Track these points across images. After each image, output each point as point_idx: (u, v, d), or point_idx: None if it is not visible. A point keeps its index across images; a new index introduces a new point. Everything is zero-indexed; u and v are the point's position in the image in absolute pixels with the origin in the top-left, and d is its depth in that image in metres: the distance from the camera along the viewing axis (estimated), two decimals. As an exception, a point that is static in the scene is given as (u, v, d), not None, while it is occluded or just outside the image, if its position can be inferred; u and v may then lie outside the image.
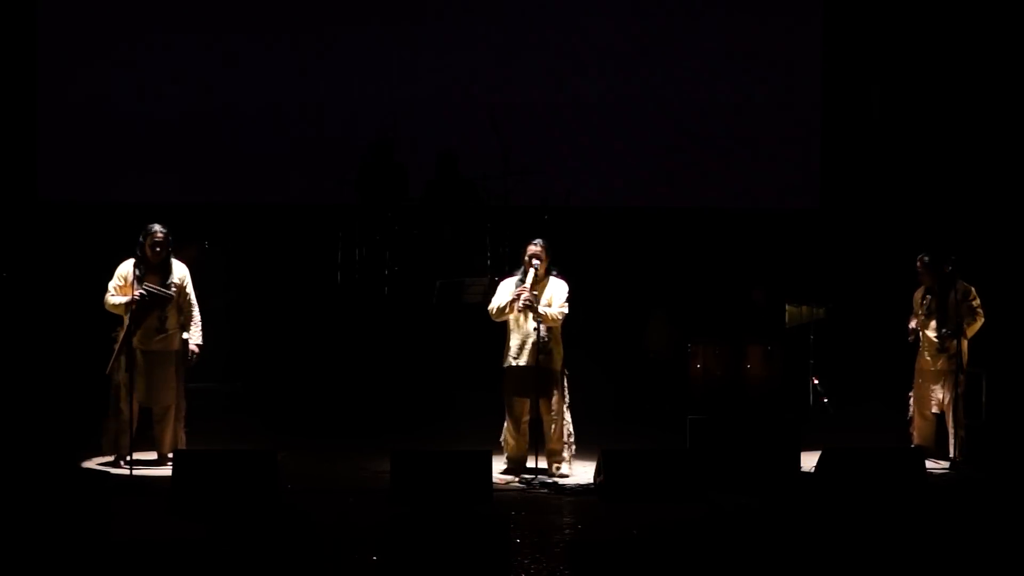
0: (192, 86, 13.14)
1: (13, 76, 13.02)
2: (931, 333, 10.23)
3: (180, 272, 9.73)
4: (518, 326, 9.65)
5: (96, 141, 13.09)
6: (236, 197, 13.22)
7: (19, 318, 12.14)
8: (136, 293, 9.46)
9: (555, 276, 9.72)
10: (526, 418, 9.74)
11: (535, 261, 9.59)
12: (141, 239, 9.61)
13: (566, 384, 9.74)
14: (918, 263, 10.28)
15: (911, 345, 10.41)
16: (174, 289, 9.63)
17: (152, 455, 9.79)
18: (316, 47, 13.23)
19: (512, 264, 11.06)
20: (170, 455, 9.61)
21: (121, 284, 9.59)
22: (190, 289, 9.77)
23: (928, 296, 10.27)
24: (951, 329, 10.08)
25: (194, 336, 9.77)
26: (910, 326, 10.35)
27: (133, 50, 13.10)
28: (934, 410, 10.29)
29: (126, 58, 13.09)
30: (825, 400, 12.12)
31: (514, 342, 9.68)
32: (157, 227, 9.63)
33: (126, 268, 9.62)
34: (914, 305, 10.38)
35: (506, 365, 9.73)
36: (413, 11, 13.30)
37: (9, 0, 13.00)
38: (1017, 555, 7.48)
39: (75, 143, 13.11)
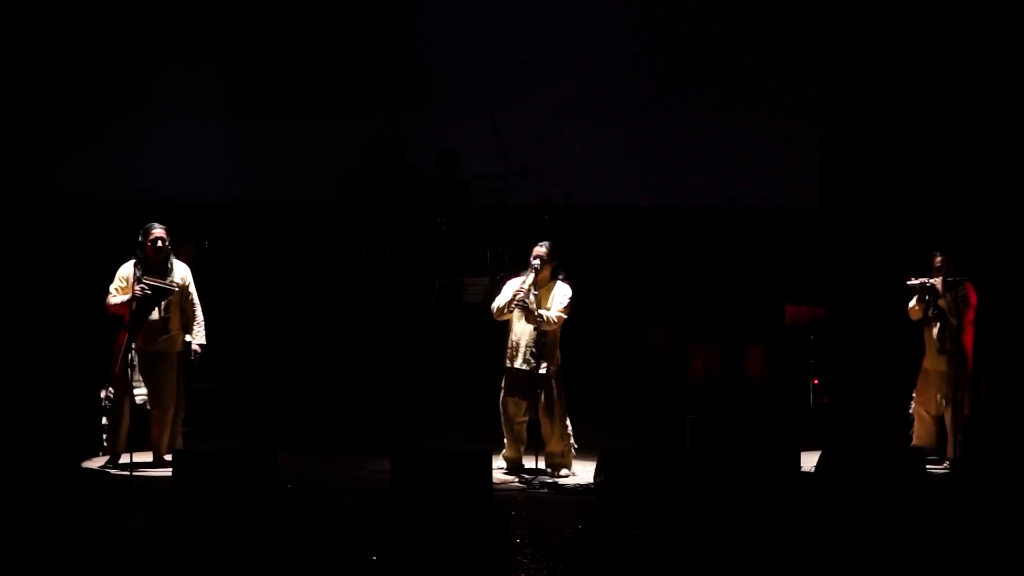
0: (192, 87, 13.13)
1: (13, 77, 13.00)
2: (934, 333, 10.25)
3: (182, 271, 9.71)
4: (518, 328, 9.65)
5: (96, 141, 13.08)
6: (236, 197, 13.21)
7: (19, 319, 12.14)
8: (137, 288, 9.43)
9: (561, 280, 9.72)
10: (521, 419, 9.74)
11: (535, 262, 9.60)
12: (140, 238, 9.60)
13: (563, 387, 9.73)
14: (935, 260, 10.26)
15: (911, 337, 10.41)
16: (175, 285, 9.61)
17: (148, 456, 9.78)
18: (315, 47, 13.21)
19: (512, 265, 11.07)
20: (167, 456, 9.62)
21: (123, 285, 9.57)
22: (192, 289, 9.75)
23: (931, 296, 10.25)
24: (950, 332, 10.11)
25: (197, 336, 9.76)
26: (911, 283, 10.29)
27: (133, 50, 13.08)
28: (935, 411, 10.29)
29: (126, 59, 13.07)
30: (825, 400, 12.11)
31: (512, 343, 9.69)
32: (157, 225, 9.61)
33: (127, 269, 9.60)
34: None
35: (505, 366, 9.74)
36: (413, 10, 13.30)
37: (9, 1, 12.99)
38: (1017, 555, 7.49)
39: (75, 143, 13.09)
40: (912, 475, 9.00)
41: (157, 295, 9.48)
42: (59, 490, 8.89)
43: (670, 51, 13.40)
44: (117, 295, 9.55)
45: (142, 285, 9.41)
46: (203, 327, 9.79)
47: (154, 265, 9.56)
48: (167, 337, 9.63)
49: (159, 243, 9.55)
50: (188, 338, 9.70)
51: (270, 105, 13.14)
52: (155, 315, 9.54)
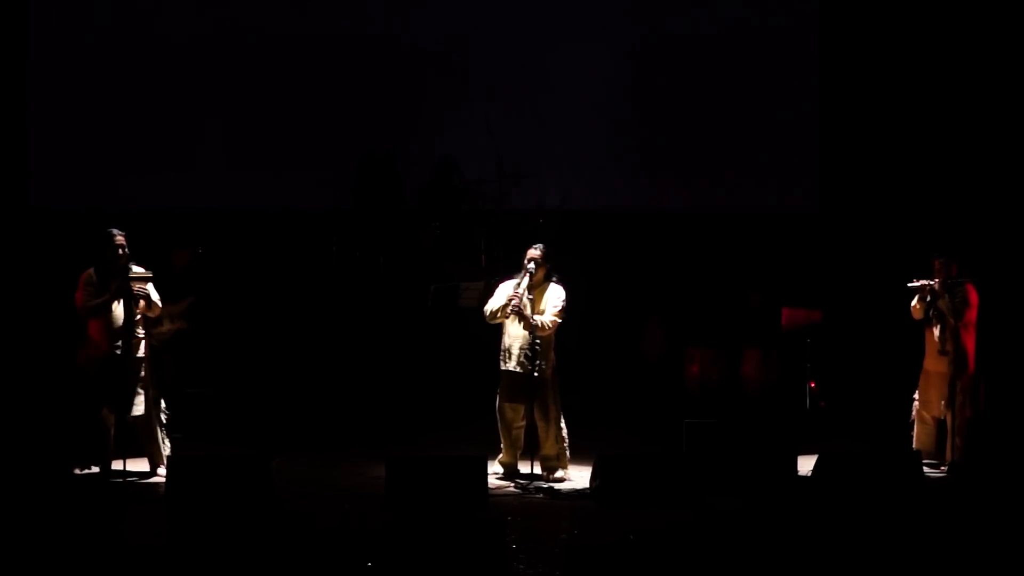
0: (190, 89, 13.11)
1: (6, 80, 12.98)
2: (935, 334, 10.24)
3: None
4: (512, 331, 9.63)
5: (89, 146, 13.06)
6: (231, 201, 13.19)
7: (15, 324, 12.12)
8: (117, 280, 9.42)
9: (555, 283, 9.69)
10: (518, 424, 9.71)
11: (530, 265, 9.58)
12: (102, 245, 9.60)
13: (558, 390, 9.70)
14: (936, 264, 10.25)
15: (909, 341, 10.40)
16: (150, 274, 9.61)
17: (143, 464, 9.74)
18: (312, 47, 13.20)
19: (507, 268, 11.05)
20: (162, 463, 9.59)
21: (92, 289, 9.56)
22: (152, 290, 9.76)
23: (931, 297, 10.23)
24: (950, 333, 10.11)
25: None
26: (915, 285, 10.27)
27: (128, 55, 13.07)
28: (935, 413, 10.28)
29: (122, 61, 13.06)
30: (822, 404, 12.09)
31: (506, 346, 9.67)
32: (117, 232, 9.63)
33: (91, 275, 9.60)
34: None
35: (501, 370, 9.71)
36: (410, 13, 13.29)
37: (1, 6, 12.97)
38: (1016, 557, 7.47)
39: (68, 148, 13.07)
40: (910, 478, 8.98)
41: (138, 284, 9.49)
42: (54, 497, 8.86)
43: (666, 54, 13.38)
44: (93, 300, 9.52)
45: (124, 275, 9.40)
46: (161, 308, 9.78)
47: (115, 271, 9.55)
48: (136, 341, 9.63)
49: (120, 250, 9.57)
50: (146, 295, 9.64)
51: (265, 108, 13.13)
52: (124, 318, 9.51)
